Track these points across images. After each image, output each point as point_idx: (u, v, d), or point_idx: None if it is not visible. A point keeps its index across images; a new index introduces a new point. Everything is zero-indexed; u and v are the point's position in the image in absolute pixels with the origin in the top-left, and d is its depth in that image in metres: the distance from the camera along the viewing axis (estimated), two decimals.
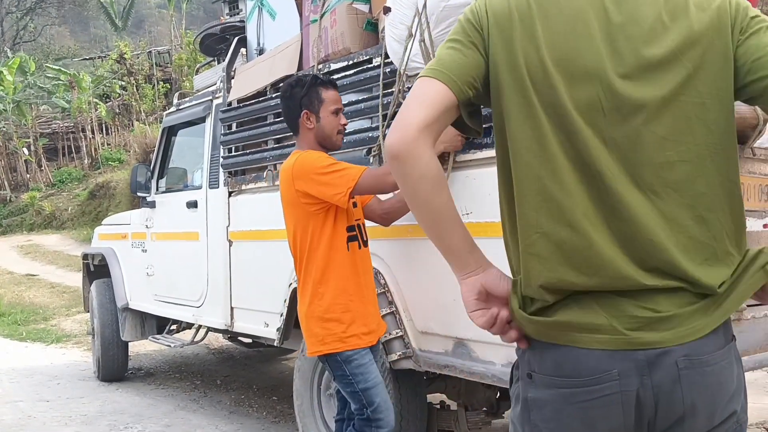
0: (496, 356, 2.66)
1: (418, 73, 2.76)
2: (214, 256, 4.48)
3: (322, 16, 3.48)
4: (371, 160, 3.13)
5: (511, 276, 1.34)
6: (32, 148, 21.36)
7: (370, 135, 3.12)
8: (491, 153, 2.57)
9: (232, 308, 4.34)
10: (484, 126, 1.44)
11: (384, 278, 3.09)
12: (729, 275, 1.23)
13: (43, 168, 21.31)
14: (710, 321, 1.21)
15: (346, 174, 2.61)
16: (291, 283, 3.60)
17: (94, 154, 21.40)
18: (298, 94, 2.78)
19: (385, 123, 2.98)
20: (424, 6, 2.56)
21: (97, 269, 6.21)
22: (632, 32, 1.24)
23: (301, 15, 3.78)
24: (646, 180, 1.22)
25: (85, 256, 6.45)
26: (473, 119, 1.37)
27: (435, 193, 1.26)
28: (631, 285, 1.20)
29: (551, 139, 1.23)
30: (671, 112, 1.22)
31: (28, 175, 21.48)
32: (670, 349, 1.18)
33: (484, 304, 1.30)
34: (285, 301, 3.64)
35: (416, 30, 2.65)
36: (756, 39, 1.24)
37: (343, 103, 3.29)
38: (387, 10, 2.84)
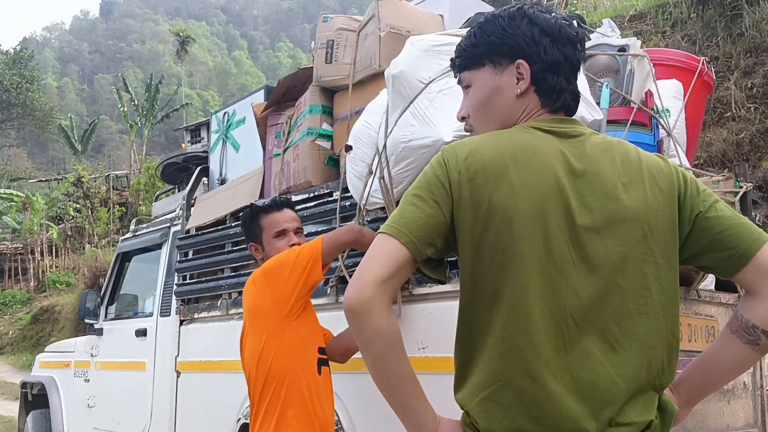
0: None
1: (377, 208, 2.86)
2: (160, 387, 4.31)
3: (285, 150, 3.59)
4: (328, 291, 3.13)
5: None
6: None
7: (330, 266, 3.14)
8: (448, 287, 2.60)
9: None
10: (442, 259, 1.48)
11: (337, 414, 3.01)
12: (658, 410, 1.35)
13: None
14: None
15: (308, 247, 2.56)
16: (240, 418, 3.48)
17: (41, 277, 20.87)
18: (245, 227, 2.87)
19: (345, 254, 3.02)
20: (384, 146, 2.67)
21: (35, 399, 5.90)
22: (597, 187, 1.33)
23: (264, 148, 3.89)
24: (611, 330, 1.30)
25: (23, 385, 6.14)
26: (437, 271, 1.42)
27: (388, 350, 1.30)
28: None
29: (526, 288, 1.27)
30: (632, 267, 1.32)
31: None
32: None
33: None
34: None
35: (376, 168, 2.74)
36: (714, 212, 1.39)
37: (304, 234, 3.34)
38: (348, 148, 2.95)
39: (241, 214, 2.96)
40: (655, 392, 1.34)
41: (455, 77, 1.56)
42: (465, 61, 1.50)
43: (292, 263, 2.51)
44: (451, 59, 1.55)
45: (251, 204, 2.92)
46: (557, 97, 1.43)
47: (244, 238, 2.94)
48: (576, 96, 1.47)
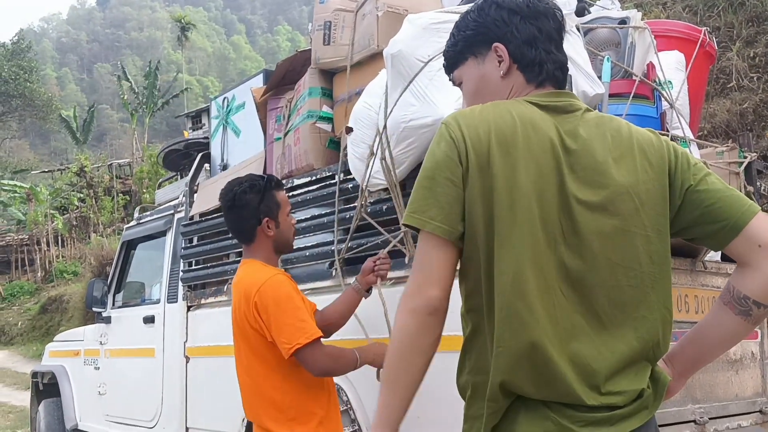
0: None
1: (379, 189, 2.85)
2: (169, 373, 4.34)
3: (285, 134, 3.57)
4: (333, 273, 3.14)
5: None
6: None
7: (332, 248, 3.14)
8: None
9: (187, 428, 4.17)
10: None
11: (347, 395, 3.03)
12: (650, 381, 1.39)
13: None
14: (644, 413, 1.35)
15: (303, 327, 2.39)
16: None
17: (48, 267, 20.95)
18: (253, 201, 2.57)
19: (349, 236, 3.02)
20: (385, 127, 2.65)
21: (46, 388, 5.95)
22: (588, 162, 1.36)
23: (265, 133, 3.88)
24: (600, 303, 1.34)
25: (34, 374, 6.20)
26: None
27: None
28: (576, 401, 1.30)
29: (525, 257, 1.31)
30: (623, 240, 1.35)
31: None
32: None
33: None
34: (243, 420, 3.52)
35: (377, 149, 2.73)
36: (705, 185, 1.41)
37: (307, 217, 3.35)
38: (349, 130, 2.94)
39: (239, 187, 2.60)
40: (648, 363, 1.37)
41: (450, 80, 1.63)
42: (450, 61, 1.60)
43: (281, 317, 2.41)
44: (443, 65, 1.63)
45: (267, 175, 2.71)
46: (539, 70, 1.47)
47: (240, 215, 2.61)
48: (560, 65, 1.50)
